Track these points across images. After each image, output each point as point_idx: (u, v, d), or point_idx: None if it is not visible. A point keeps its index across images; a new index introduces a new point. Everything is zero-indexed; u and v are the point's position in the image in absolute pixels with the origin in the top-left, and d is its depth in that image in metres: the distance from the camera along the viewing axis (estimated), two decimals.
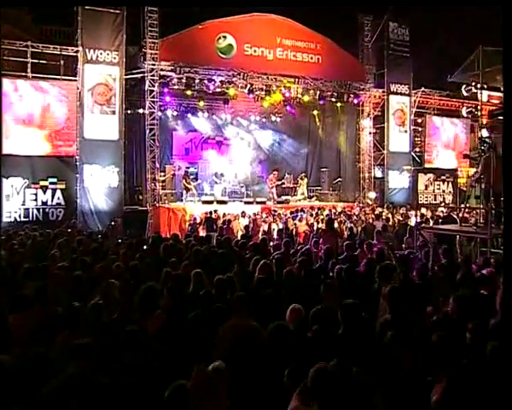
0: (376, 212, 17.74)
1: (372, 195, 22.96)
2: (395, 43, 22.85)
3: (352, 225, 15.00)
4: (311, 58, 20.91)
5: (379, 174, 23.95)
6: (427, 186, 23.95)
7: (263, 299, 5.17)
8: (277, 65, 20.33)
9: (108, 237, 11.47)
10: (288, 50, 20.46)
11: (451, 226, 10.78)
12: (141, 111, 19.61)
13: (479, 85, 15.88)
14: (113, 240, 11.51)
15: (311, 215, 16.80)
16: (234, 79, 19.89)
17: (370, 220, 15.79)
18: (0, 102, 16.20)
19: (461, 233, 9.89)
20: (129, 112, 20.40)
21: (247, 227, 14.19)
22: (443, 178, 24.29)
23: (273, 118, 26.57)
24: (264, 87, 20.50)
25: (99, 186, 17.70)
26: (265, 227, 15.85)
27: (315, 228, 14.74)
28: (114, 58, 17.78)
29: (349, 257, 7.60)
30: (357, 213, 18.35)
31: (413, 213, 16.34)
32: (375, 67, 22.59)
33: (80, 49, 17.17)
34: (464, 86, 17.21)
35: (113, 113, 17.92)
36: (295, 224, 15.64)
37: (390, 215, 17.06)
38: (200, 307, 5.02)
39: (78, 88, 17.38)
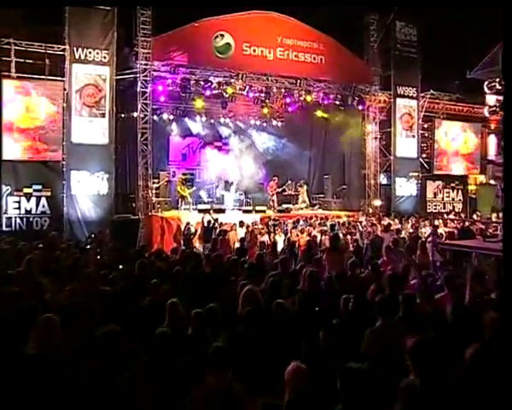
0: (384, 222, 16.52)
1: (377, 203, 21.78)
2: (402, 44, 21.74)
3: (358, 237, 13.83)
4: (314, 58, 19.79)
5: (384, 181, 22.78)
6: (435, 194, 22.76)
7: (245, 346, 3.99)
8: (278, 65, 19.24)
9: (87, 252, 10.30)
10: (289, 50, 19.34)
11: (473, 242, 9.57)
12: (135, 115, 18.45)
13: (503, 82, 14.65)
14: (92, 255, 10.34)
15: (311, 225, 15.65)
16: (232, 81, 18.77)
17: (378, 232, 14.59)
18: (0, 106, 15.40)
19: (486, 251, 8.61)
20: (122, 116, 19.46)
21: (242, 240, 12.99)
22: (452, 185, 23.09)
23: (274, 122, 25.51)
24: (264, 89, 19.36)
25: (87, 194, 16.62)
26: (265, 238, 14.69)
27: (318, 240, 13.51)
28: (104, 57, 16.71)
29: (355, 282, 6.39)
30: (363, 223, 17.14)
31: (426, 223, 15.22)
32: (380, 68, 21.42)
33: (67, 47, 16.10)
34: (486, 83, 16.08)
35: (103, 115, 16.84)
36: (296, 234, 14.45)
37: (399, 226, 15.87)
38: (167, 357, 3.84)
39: (65, 89, 16.31)
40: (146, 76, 17.35)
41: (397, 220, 17.33)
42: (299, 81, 19.75)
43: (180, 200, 19.64)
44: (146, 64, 17.26)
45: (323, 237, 13.89)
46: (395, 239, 10.42)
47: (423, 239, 10.97)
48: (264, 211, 19.83)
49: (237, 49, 18.46)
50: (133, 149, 18.74)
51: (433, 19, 21.59)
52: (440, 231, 15.07)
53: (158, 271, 7.16)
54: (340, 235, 13.59)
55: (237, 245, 14.43)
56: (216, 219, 15.48)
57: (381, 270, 7.12)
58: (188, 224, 15.90)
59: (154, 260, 8.54)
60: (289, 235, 14.27)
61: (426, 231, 14.54)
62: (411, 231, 14.99)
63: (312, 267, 6.80)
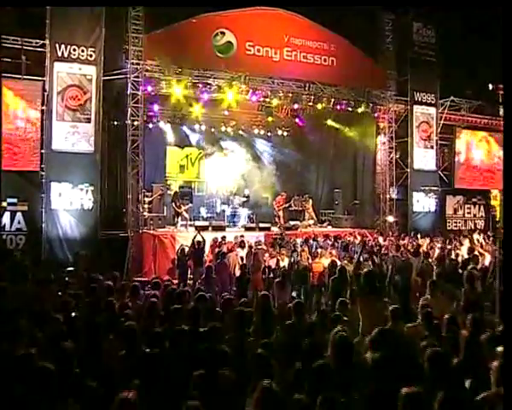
0: (403, 241, 14.56)
1: (390, 219, 19.78)
2: (420, 46, 19.96)
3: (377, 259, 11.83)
4: (325, 60, 17.99)
5: (396, 195, 20.72)
6: (455, 210, 20.80)
7: None
8: (284, 67, 17.46)
9: (51, 282, 8.29)
10: (297, 51, 17.56)
11: None
12: (128, 122, 16.49)
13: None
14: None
15: (322, 247, 13.70)
16: (234, 83, 16.90)
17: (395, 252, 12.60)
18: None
19: None
20: (115, 123, 17.62)
21: (243, 268, 10.97)
22: (474, 200, 21.11)
23: (279, 132, 23.57)
24: (270, 93, 17.48)
25: (69, 208, 14.67)
26: (272, 262, 12.71)
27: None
28: (90, 55, 14.88)
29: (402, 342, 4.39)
30: (381, 243, 15.16)
31: (456, 244, 13.24)
32: (396, 72, 19.54)
33: (48, 42, 14.26)
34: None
35: (88, 120, 14.98)
36: (307, 256, 12.43)
37: (423, 245, 13.91)
38: None
39: (45, 90, 14.45)
40: (137, 77, 15.53)
41: (425, 240, 15.33)
42: (307, 85, 17.89)
43: (175, 216, 17.70)
44: (137, 64, 15.45)
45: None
46: (439, 273, 8.15)
47: (472, 269, 8.78)
48: (268, 228, 17.92)
49: (239, 48, 16.67)
50: (125, 160, 16.81)
51: (453, 19, 19.81)
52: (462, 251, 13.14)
53: (126, 333, 5.03)
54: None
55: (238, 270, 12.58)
56: (204, 240, 13.50)
57: (435, 322, 5.15)
58: (181, 246, 13.96)
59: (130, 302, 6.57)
60: (299, 258, 12.23)
61: (461, 253, 12.54)
62: (439, 252, 12.92)
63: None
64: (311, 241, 14.64)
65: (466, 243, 13.47)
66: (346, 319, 5.55)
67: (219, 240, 14.56)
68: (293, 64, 17.48)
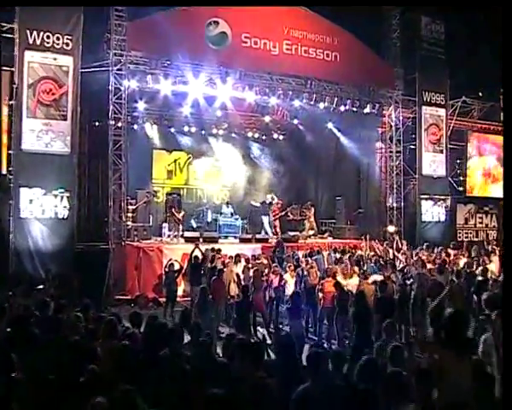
0: (422, 256, 12.90)
1: (391, 229, 18.10)
2: (428, 42, 18.44)
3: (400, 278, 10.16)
4: (327, 55, 16.40)
5: (395, 203, 19.03)
6: (467, 219, 19.22)
7: None
8: (284, 62, 15.85)
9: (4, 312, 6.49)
10: (297, 44, 15.99)
11: None
12: (110, 122, 14.70)
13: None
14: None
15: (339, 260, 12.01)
16: (228, 79, 15.23)
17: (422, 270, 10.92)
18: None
19: None
20: (97, 124, 15.92)
21: (244, 290, 9.16)
22: (486, 209, 19.56)
23: (275, 135, 21.98)
24: (267, 90, 15.82)
25: (41, 217, 12.90)
26: (274, 279, 11.01)
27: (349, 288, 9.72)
28: (67, 44, 13.18)
29: None
30: (399, 256, 13.45)
31: (485, 259, 11.61)
32: (403, 70, 17.98)
33: (16, 27, 12.49)
34: None
35: (64, 118, 13.24)
36: (317, 274, 10.69)
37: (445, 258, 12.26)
38: None
39: (13, 82, 12.66)
40: (120, 69, 13.81)
41: (444, 252, 13.71)
42: (308, 82, 16.25)
43: (169, 225, 16.05)
44: (120, 55, 13.73)
45: (351, 281, 10.17)
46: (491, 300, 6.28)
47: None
48: (266, 240, 16.27)
49: (235, 40, 15.06)
50: (107, 163, 15.03)
51: (464, 14, 18.33)
52: (491, 267, 11.49)
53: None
54: (378, 278, 10.01)
55: (235, 287, 10.88)
56: (204, 255, 11.81)
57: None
58: (170, 260, 12.25)
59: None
60: (307, 277, 10.50)
61: (490, 268, 10.90)
62: (464, 268, 11.24)
63: None
64: (316, 255, 12.89)
65: (495, 258, 11.80)
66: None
67: (212, 253, 12.82)
68: (293, 58, 15.89)
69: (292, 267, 11.41)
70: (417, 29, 18.27)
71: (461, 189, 19.26)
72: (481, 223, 19.40)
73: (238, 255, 12.33)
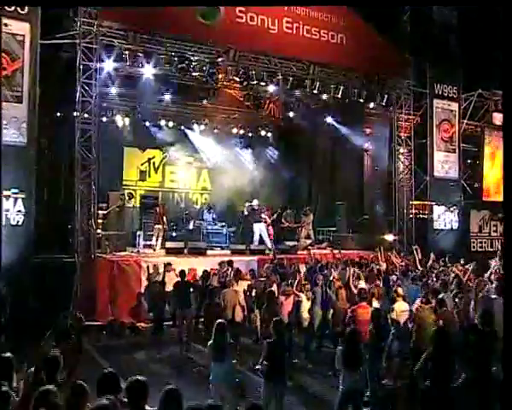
0: (455, 273, 10.69)
1: (389, 237, 16.01)
2: (440, 29, 16.45)
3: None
4: (332, 37, 14.32)
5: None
6: (481, 227, 17.22)
7: None
8: (283, 42, 13.64)
9: None
10: (299, 22, 13.83)
11: None
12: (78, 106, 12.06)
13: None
14: None
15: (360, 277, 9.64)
16: (219, 60, 12.88)
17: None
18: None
19: None
20: (58, 115, 13.51)
21: (278, 326, 6.63)
22: (500, 215, 17.57)
23: (262, 132, 19.65)
24: (265, 74, 13.49)
25: None
26: (285, 302, 8.65)
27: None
28: (22, 9, 10.60)
29: None
30: (418, 271, 11.26)
31: None
32: (412, 59, 15.95)
33: None
34: None
35: (19, 100, 10.77)
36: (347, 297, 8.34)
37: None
38: None
39: None
40: (90, 43, 11.29)
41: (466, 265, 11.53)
42: (311, 67, 14.04)
43: (156, 232, 13.69)
44: (90, 25, 11.22)
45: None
46: None
47: None
48: (263, 251, 13.91)
49: (228, 15, 12.64)
50: (73, 159, 12.47)
51: None
52: None
53: None
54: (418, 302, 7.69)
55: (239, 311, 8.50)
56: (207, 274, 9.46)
57: None
58: (155, 266, 9.88)
59: None
60: (335, 301, 8.15)
61: None
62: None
63: None
64: (332, 269, 10.51)
65: None
66: None
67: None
68: (294, 39, 13.68)
69: (307, 286, 9.05)
70: (428, 15, 16.29)
71: (474, 193, 17.29)
72: (495, 231, 17.40)
73: (239, 271, 9.91)
